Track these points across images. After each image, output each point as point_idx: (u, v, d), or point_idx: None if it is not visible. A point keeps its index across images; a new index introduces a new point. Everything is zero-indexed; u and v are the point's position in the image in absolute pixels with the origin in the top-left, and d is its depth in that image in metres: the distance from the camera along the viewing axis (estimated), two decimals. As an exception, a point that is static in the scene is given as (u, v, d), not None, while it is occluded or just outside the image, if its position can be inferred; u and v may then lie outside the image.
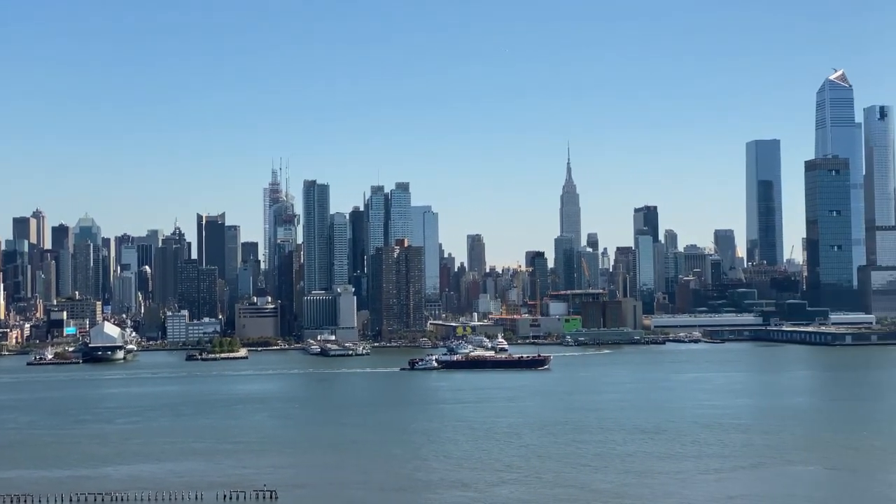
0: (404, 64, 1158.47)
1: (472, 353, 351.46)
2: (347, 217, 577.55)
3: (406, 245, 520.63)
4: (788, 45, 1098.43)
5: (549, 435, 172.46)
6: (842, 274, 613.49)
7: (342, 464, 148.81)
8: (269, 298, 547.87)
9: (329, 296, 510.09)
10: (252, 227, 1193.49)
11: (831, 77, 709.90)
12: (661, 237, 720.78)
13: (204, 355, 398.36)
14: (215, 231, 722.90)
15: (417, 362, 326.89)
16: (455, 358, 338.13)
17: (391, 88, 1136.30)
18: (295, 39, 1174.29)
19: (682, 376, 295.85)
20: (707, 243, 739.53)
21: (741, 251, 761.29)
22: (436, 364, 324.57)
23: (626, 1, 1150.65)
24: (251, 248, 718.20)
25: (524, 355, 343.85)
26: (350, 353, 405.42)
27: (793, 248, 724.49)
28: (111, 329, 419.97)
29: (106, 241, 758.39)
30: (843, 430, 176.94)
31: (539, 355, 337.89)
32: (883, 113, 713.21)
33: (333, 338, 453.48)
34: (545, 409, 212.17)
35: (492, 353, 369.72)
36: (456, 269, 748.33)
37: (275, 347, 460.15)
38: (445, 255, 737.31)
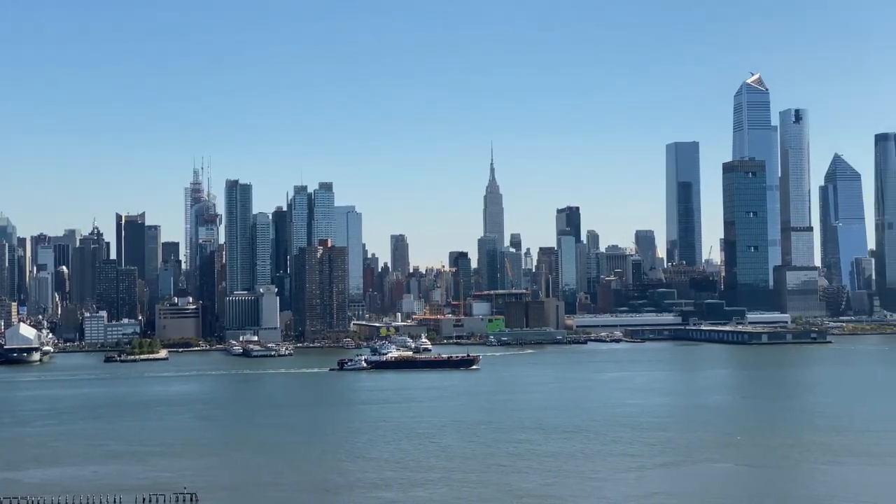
0: (327, 63, 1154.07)
1: (401, 354, 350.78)
2: (270, 217, 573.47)
3: (329, 245, 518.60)
4: (707, 48, 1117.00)
5: (472, 435, 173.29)
6: (758, 274, 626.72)
7: (265, 465, 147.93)
8: (191, 299, 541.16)
9: (251, 296, 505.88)
10: (173, 227, 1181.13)
11: (748, 80, 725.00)
12: (584, 238, 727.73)
13: (123, 357, 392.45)
14: (135, 231, 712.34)
15: (347, 363, 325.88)
16: (385, 358, 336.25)
17: (314, 88, 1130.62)
18: (216, 37, 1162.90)
19: (604, 375, 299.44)
20: (628, 244, 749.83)
21: (661, 251, 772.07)
22: (365, 364, 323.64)
23: (548, 3, 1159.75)
24: (172, 248, 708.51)
25: (454, 355, 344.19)
26: (273, 353, 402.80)
27: (711, 248, 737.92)
28: (27, 330, 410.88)
29: (22, 241, 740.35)
30: (758, 427, 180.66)
31: (468, 355, 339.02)
32: (798, 116, 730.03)
33: (256, 338, 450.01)
34: (469, 409, 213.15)
35: (411, 353, 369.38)
36: (380, 270, 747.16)
37: (196, 348, 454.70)
38: (369, 256, 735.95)
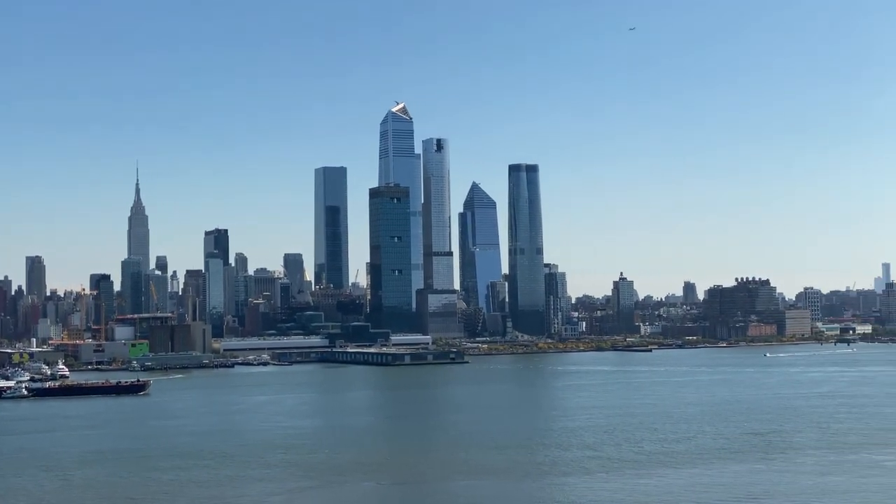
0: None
1: (67, 381, 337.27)
2: None
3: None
4: (354, 76, 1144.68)
5: (117, 464, 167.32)
6: (402, 297, 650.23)
7: None
8: None
9: None
10: None
11: (394, 109, 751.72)
12: (232, 260, 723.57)
13: None
14: None
15: (5, 390, 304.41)
16: (48, 385, 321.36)
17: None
18: None
19: (254, 399, 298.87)
20: (277, 267, 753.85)
21: (310, 275, 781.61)
22: (26, 392, 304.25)
23: (203, 22, 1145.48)
24: None
25: (123, 381, 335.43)
26: None
27: (358, 272, 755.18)
28: None
29: None
30: (404, 445, 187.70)
31: (139, 380, 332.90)
32: (439, 145, 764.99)
33: None
34: (120, 437, 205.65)
35: (55, 381, 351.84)
36: (13, 293, 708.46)
37: None
38: (1, 278, 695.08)
